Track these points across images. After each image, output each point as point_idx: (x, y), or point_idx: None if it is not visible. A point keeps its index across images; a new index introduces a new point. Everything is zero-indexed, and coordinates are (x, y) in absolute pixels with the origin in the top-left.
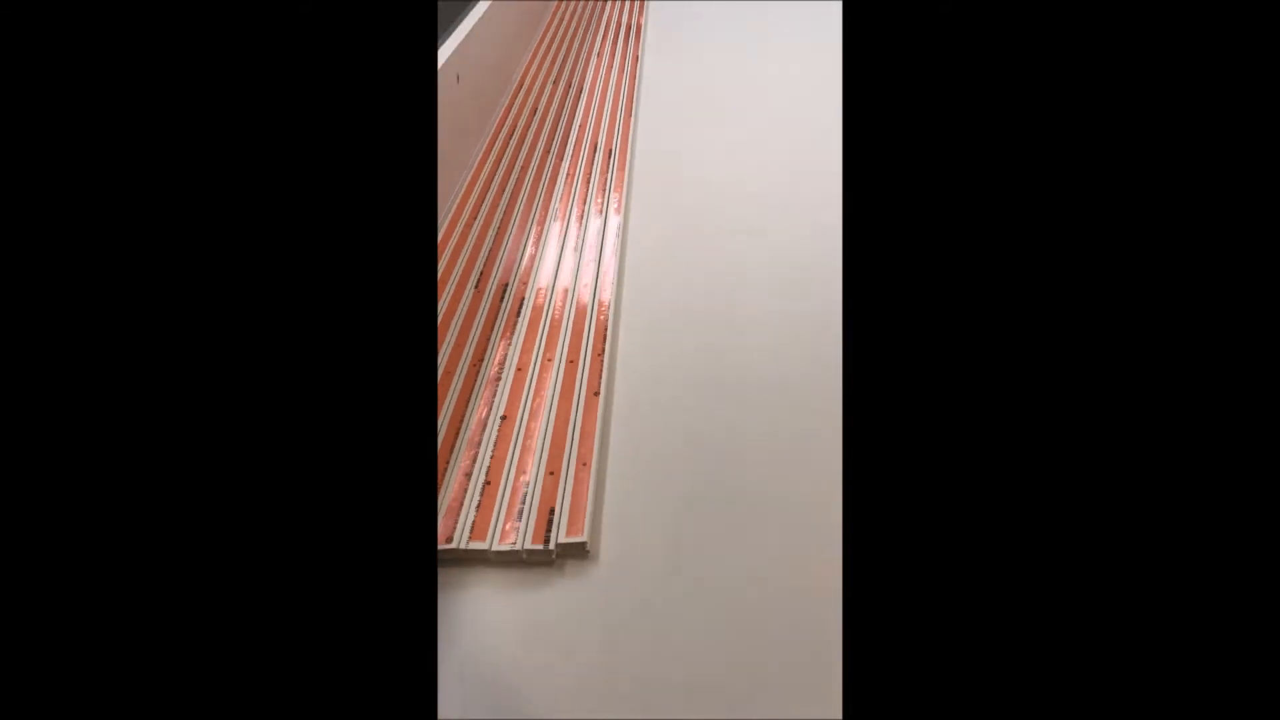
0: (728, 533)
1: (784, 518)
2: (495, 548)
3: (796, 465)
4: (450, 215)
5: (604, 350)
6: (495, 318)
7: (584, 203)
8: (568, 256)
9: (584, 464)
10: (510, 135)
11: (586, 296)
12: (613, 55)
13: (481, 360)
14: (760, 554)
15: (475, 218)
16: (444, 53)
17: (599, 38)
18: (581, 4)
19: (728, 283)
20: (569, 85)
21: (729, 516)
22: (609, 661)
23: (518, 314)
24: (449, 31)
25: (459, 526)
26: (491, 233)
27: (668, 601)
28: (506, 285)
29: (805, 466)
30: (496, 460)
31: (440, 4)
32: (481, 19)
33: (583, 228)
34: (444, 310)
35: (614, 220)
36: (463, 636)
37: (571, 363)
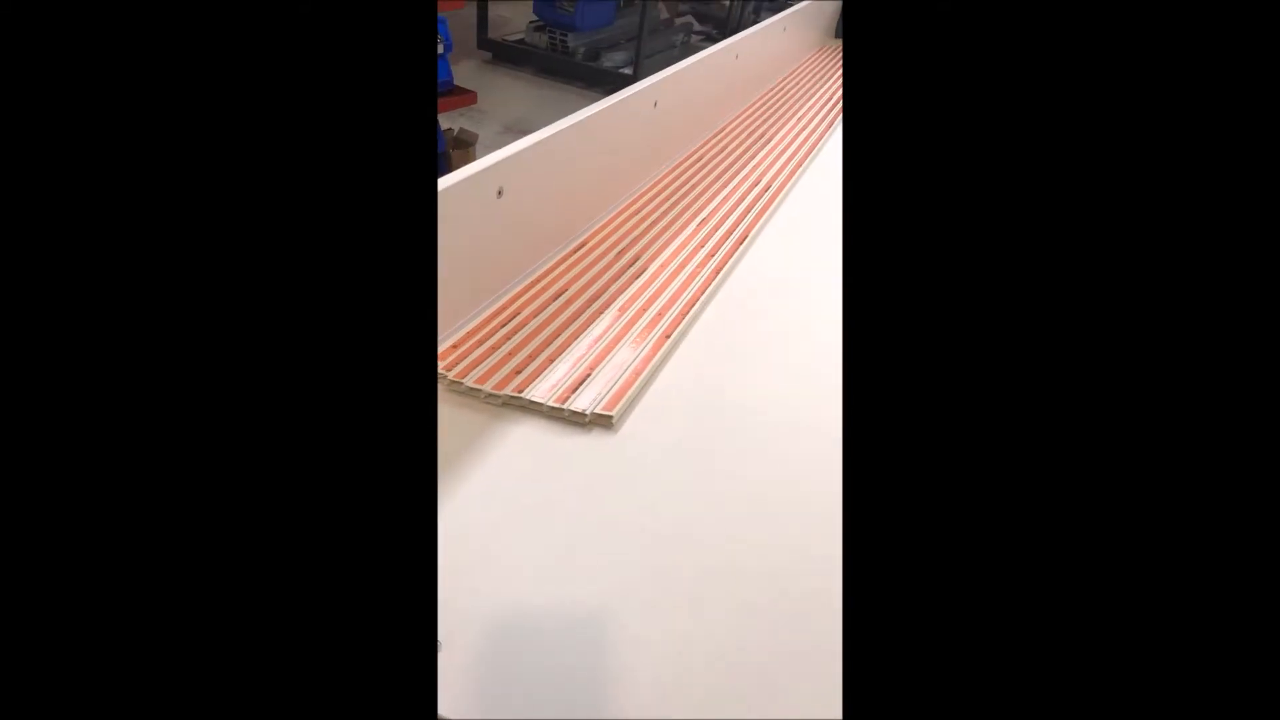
0: (723, 439)
1: (788, 442)
2: (550, 403)
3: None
4: (614, 212)
5: (687, 314)
6: (619, 276)
7: (725, 219)
8: (692, 247)
9: (636, 375)
10: (694, 164)
11: (691, 281)
12: (810, 121)
13: (597, 299)
14: (754, 461)
15: (633, 215)
16: (647, 82)
17: (806, 106)
18: (804, 80)
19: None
20: (760, 136)
21: (728, 433)
22: (600, 479)
23: (636, 278)
24: (663, 71)
25: (533, 386)
26: (644, 225)
27: (655, 459)
28: (637, 259)
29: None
30: (578, 361)
31: (678, 42)
32: (692, 65)
33: (714, 233)
34: (584, 266)
35: (735, 238)
36: (512, 444)
37: (659, 315)
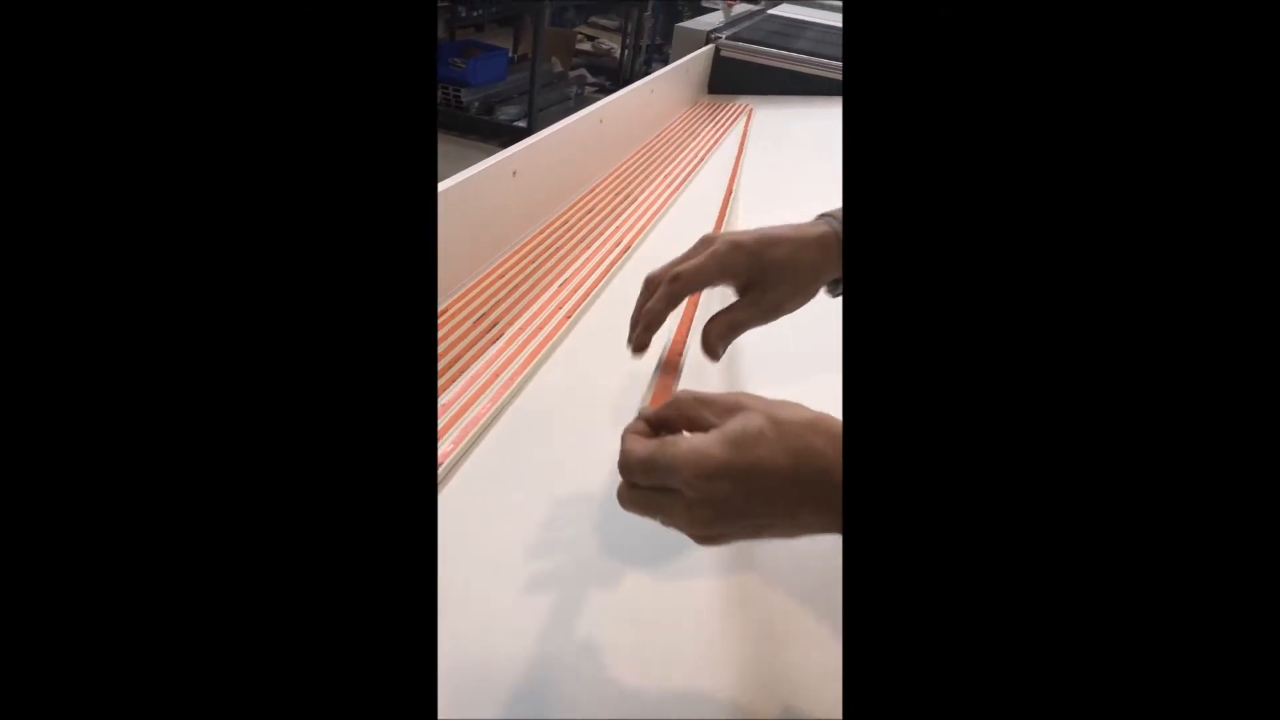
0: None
1: None
2: None
3: None
4: (478, 278)
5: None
6: (476, 340)
7: (585, 281)
8: (548, 312)
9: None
10: (560, 228)
11: (541, 336)
12: (676, 178)
13: (450, 368)
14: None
15: (499, 279)
16: (506, 152)
17: (673, 163)
18: (674, 138)
19: None
20: (626, 196)
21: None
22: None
23: (495, 341)
24: (523, 138)
25: None
26: (508, 289)
27: (494, 514)
28: (498, 322)
29: None
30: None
31: (526, 116)
32: (553, 134)
33: (575, 292)
34: (443, 335)
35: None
36: None
37: (510, 380)
